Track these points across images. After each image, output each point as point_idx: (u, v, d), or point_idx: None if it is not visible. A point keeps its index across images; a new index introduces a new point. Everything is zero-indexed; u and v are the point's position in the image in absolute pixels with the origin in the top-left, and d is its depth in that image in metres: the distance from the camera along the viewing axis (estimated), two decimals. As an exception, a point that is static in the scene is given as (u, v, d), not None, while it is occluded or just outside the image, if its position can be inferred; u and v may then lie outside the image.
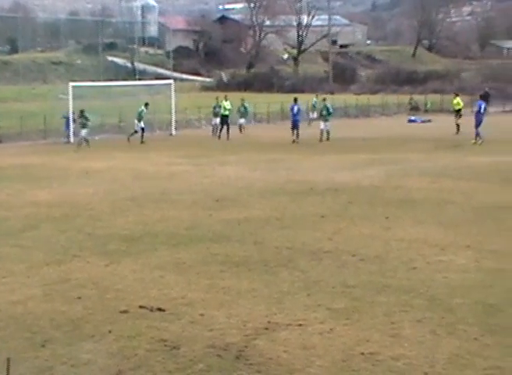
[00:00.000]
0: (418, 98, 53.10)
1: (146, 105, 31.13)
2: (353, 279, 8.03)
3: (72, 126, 30.24)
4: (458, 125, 29.59)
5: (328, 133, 28.04)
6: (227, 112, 31.04)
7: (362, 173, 17.20)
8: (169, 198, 14.10)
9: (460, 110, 30.67)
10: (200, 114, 40.72)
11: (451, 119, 32.00)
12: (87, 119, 28.51)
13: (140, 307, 7.09)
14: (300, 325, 6.54)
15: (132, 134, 30.05)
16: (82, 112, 28.84)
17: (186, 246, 9.81)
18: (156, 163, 21.06)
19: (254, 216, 11.99)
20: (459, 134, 28.54)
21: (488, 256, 8.94)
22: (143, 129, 30.38)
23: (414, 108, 49.99)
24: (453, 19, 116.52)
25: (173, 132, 34.84)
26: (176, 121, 36.05)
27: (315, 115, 38.48)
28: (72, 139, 29.94)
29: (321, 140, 27.73)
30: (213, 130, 32.73)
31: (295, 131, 27.61)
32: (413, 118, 43.28)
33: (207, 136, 32.17)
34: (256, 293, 7.57)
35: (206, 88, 71.29)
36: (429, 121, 41.97)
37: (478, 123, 25.24)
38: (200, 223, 11.46)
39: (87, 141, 28.03)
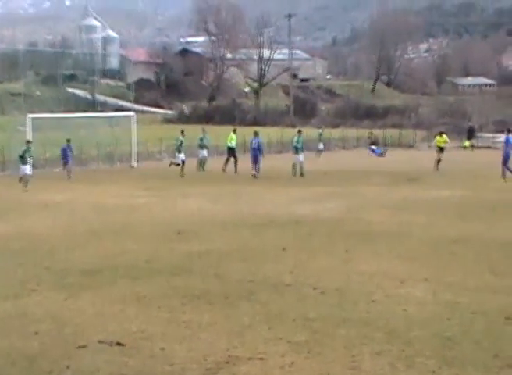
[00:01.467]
0: (377, 133, 54.01)
1: (182, 132, 29.69)
2: (314, 311, 8.07)
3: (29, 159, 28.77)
4: (439, 161, 29.43)
5: (302, 167, 27.23)
6: (234, 145, 30.18)
7: (323, 206, 17.36)
8: (130, 231, 14.01)
9: (443, 148, 30.72)
10: (161, 146, 40.70)
11: (409, 153, 32.63)
12: (29, 153, 25.68)
13: (99, 342, 6.99)
14: (261, 359, 6.53)
15: (176, 164, 29.26)
16: (28, 142, 26.33)
17: (146, 279, 9.74)
18: (117, 195, 20.93)
19: (215, 248, 11.99)
20: (418, 169, 29.02)
21: (445, 289, 9.08)
22: (183, 162, 29.06)
23: (374, 143, 50.82)
24: (411, 56, 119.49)
25: (134, 164, 34.71)
26: (137, 153, 35.95)
27: (322, 146, 39.24)
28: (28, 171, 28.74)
29: (294, 174, 27.06)
30: (200, 164, 31.13)
31: (255, 165, 27.62)
32: (373, 147, 43.91)
33: (168, 168, 32.12)
34: (217, 326, 7.55)
35: (167, 121, 71.41)
36: (386, 150, 42.79)
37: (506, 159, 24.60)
38: (161, 256, 11.41)
39: (26, 178, 24.86)
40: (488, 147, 41.79)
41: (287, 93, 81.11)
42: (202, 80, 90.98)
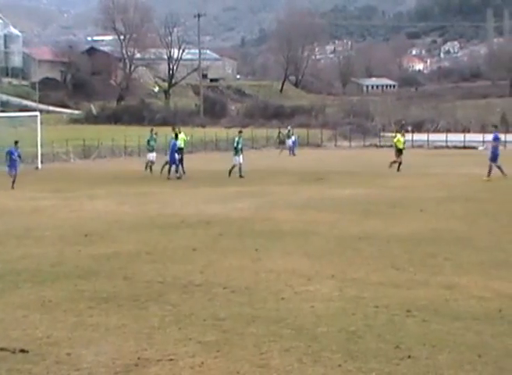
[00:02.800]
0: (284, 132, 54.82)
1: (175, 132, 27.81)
2: (224, 311, 8.12)
3: None
4: (400, 163, 28.44)
5: (240, 168, 26.47)
6: (183, 145, 28.82)
7: (232, 206, 17.46)
8: (33, 234, 13.61)
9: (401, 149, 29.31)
10: (68, 147, 39.72)
11: (316, 152, 33.22)
12: None
13: (1, 349, 6.77)
14: (171, 360, 6.52)
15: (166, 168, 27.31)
16: None
17: (51, 283, 9.50)
18: (20, 198, 20.27)
19: (123, 250, 11.83)
20: (324, 168, 29.59)
21: (350, 285, 9.34)
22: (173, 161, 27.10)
23: (282, 142, 51.52)
24: (318, 57, 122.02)
25: (39, 166, 33.72)
26: (43, 154, 34.94)
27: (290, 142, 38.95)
28: None
29: (229, 174, 26.46)
30: (146, 166, 29.58)
31: (176, 166, 26.42)
32: (291, 143, 43.61)
33: (76, 169, 31.40)
34: (125, 329, 7.46)
35: (74, 121, 69.80)
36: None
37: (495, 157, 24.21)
38: (67, 259, 11.15)
39: None
40: (391, 146, 43.10)
41: (197, 93, 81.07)
42: (110, 79, 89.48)
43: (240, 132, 28.01)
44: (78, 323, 7.69)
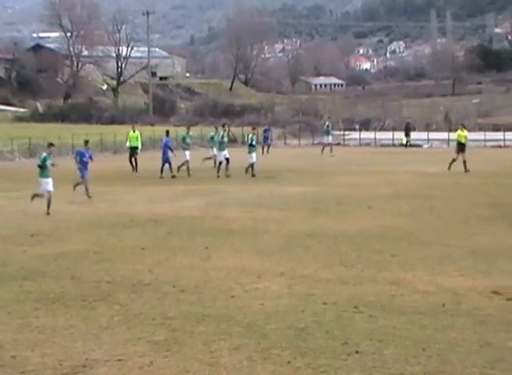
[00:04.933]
0: (235, 131, 54.80)
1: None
2: (174, 310, 8.09)
3: None
4: (465, 161, 25.23)
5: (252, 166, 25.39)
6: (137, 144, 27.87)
7: (182, 204, 17.38)
8: (-22, 235, 13.29)
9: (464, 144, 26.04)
10: (13, 146, 38.84)
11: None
12: None
13: None
14: (120, 360, 6.47)
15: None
16: None
17: (-4, 285, 9.31)
18: (-37, 198, 19.75)
19: (71, 250, 11.67)
20: (274, 166, 29.62)
21: (299, 282, 9.43)
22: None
23: (232, 140, 51.48)
24: (267, 56, 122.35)
25: (-17, 164, 32.91)
26: (-14, 153, 34.09)
27: (330, 139, 37.67)
28: None
29: (218, 171, 25.52)
30: (181, 166, 26.94)
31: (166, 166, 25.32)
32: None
33: (21, 168, 30.76)
34: (73, 330, 7.37)
35: (19, 119, 68.28)
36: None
37: None
38: (13, 260, 10.93)
39: None
40: (338, 144, 43.52)
41: (146, 91, 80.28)
42: (57, 77, 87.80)
43: (254, 128, 27.47)
44: (23, 324, 7.56)
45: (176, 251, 11.60)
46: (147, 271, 10.09)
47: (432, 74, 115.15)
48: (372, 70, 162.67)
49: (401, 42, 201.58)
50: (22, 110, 75.28)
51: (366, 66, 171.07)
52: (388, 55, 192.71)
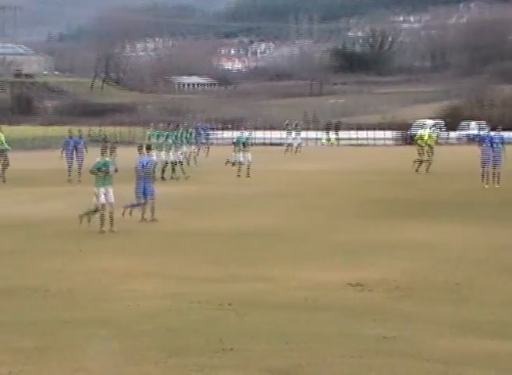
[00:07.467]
0: (108, 130, 53.63)
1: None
2: (42, 315, 7.85)
3: None
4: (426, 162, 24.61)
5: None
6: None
7: (49, 206, 16.87)
8: None
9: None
10: None
11: (134, 150, 32.28)
12: None
13: None
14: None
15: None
16: None
17: None
18: None
19: None
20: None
21: (170, 281, 9.42)
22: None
23: (104, 141, 50.40)
24: (136, 54, 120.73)
25: None
26: None
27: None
28: None
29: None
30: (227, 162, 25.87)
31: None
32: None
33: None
34: None
35: None
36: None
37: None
38: None
39: None
40: (212, 143, 43.74)
41: (5, 89, 76.81)
42: None
43: (169, 126, 26.50)
44: None
45: (43, 254, 11.25)
46: (16, 276, 9.73)
47: (297, 75, 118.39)
48: (242, 70, 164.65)
49: (270, 43, 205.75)
50: None
51: (235, 65, 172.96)
52: (259, 55, 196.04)
